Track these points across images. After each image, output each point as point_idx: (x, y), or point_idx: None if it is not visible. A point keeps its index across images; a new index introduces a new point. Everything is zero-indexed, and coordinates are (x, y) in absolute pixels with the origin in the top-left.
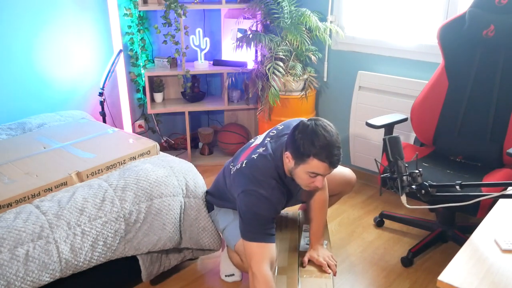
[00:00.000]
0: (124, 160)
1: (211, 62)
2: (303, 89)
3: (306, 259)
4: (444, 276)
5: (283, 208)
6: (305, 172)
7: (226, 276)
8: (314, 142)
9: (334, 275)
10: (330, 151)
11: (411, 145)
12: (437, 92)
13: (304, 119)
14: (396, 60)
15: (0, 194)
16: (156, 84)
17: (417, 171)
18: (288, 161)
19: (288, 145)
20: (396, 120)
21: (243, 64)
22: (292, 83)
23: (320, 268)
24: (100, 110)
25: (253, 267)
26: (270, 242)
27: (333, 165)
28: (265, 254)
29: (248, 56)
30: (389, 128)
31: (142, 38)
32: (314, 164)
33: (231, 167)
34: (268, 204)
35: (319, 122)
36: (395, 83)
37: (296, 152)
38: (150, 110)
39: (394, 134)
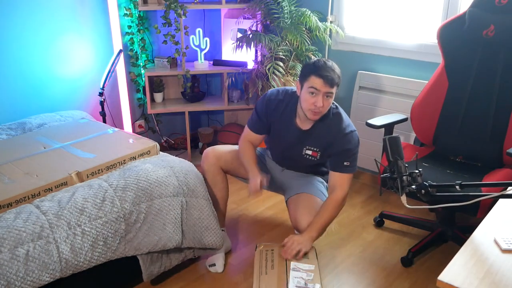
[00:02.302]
0: (124, 160)
1: (211, 62)
2: None
3: (287, 239)
4: (444, 276)
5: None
6: (306, 90)
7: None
8: (314, 63)
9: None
10: (325, 70)
11: (411, 145)
12: (437, 92)
13: None
14: (396, 60)
15: (0, 194)
16: (156, 84)
17: (417, 171)
18: (297, 88)
19: (298, 76)
20: (396, 120)
21: (243, 64)
22: (292, 83)
23: None
24: (100, 110)
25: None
26: (251, 131)
27: (327, 81)
28: (246, 135)
29: (248, 56)
30: (389, 128)
31: (142, 38)
32: (312, 80)
33: None
34: (262, 102)
35: (325, 59)
36: (395, 83)
37: (301, 75)
38: (150, 110)
39: (394, 134)
